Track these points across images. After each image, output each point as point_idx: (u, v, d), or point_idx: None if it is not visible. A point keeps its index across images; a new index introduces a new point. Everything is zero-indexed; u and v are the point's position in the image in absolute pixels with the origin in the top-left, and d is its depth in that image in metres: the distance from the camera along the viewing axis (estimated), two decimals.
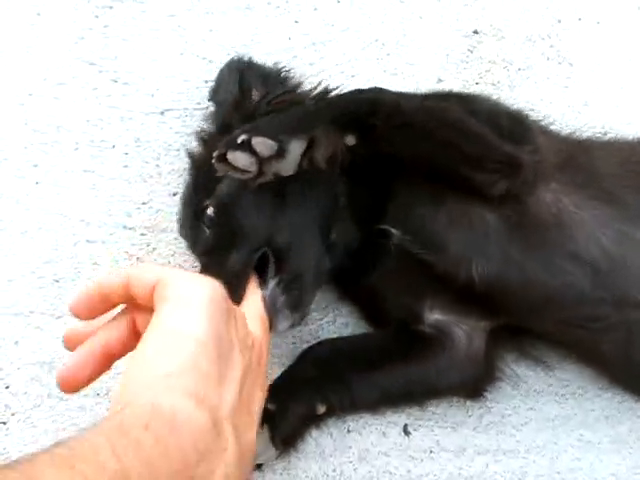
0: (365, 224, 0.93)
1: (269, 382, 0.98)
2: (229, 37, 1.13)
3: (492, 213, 0.89)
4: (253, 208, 0.87)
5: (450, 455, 0.99)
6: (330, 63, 1.14)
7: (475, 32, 1.17)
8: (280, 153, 0.80)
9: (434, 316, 0.96)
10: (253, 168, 0.79)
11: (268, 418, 0.89)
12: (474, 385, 0.99)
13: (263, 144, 0.79)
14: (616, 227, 0.90)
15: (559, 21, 1.20)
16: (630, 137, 1.04)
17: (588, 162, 0.95)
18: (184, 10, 1.13)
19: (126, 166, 1.06)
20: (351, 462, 0.97)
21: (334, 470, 0.97)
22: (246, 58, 1.05)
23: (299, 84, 1.01)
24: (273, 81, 1.00)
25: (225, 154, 0.79)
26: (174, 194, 1.04)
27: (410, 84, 1.13)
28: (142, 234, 1.03)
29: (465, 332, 0.97)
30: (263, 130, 0.81)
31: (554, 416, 1.02)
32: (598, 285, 0.88)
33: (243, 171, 0.80)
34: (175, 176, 1.06)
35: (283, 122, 0.84)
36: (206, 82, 1.10)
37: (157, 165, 1.06)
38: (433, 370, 0.97)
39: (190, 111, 1.09)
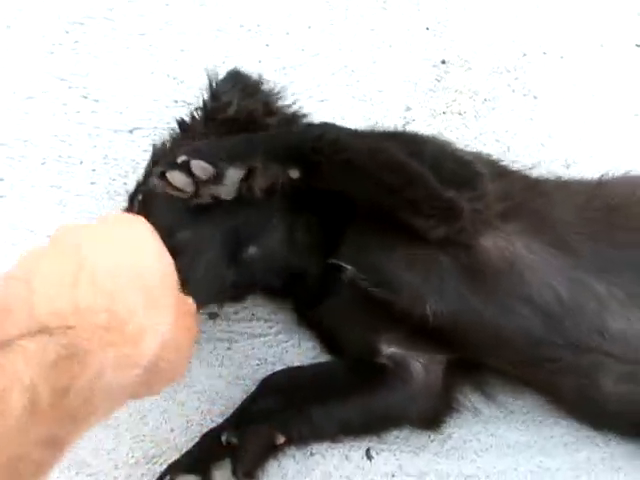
0: (314, 255, 0.94)
1: (229, 406, 0.98)
2: (200, 58, 1.13)
3: (445, 256, 0.89)
4: (167, 204, 0.87)
5: (412, 479, 0.99)
6: (300, 87, 1.14)
7: (443, 62, 1.19)
8: (217, 178, 0.81)
9: (390, 349, 0.97)
10: (189, 189, 0.81)
11: (231, 452, 0.90)
12: (432, 416, 1.00)
13: (201, 167, 0.80)
14: (570, 275, 0.90)
15: (524, 54, 1.22)
16: (589, 177, 1.04)
17: (544, 207, 0.96)
18: (156, 29, 1.13)
19: (93, 183, 1.06)
20: None
21: None
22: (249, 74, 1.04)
23: (283, 107, 1.01)
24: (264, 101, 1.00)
25: (165, 172, 0.80)
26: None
27: (379, 111, 1.15)
28: None
29: (422, 365, 0.97)
30: (203, 153, 0.82)
31: (514, 442, 1.03)
32: (551, 329, 0.89)
33: (180, 190, 0.81)
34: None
35: (225, 148, 0.86)
36: (176, 102, 1.10)
37: (125, 183, 1.06)
38: (391, 402, 0.97)
39: (159, 130, 1.09)
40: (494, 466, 1.01)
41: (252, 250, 0.90)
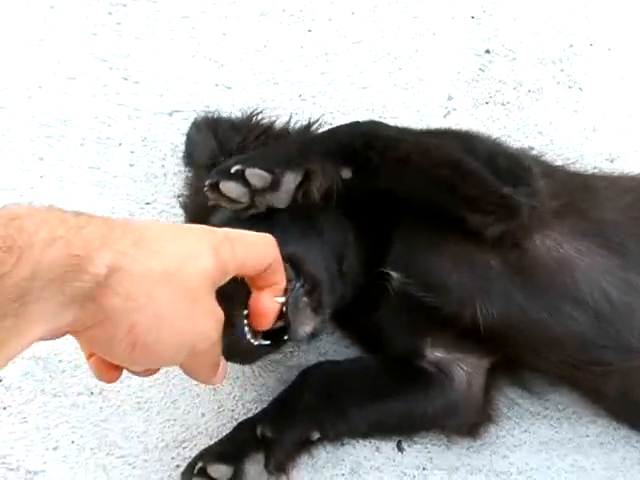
0: (367, 265, 0.91)
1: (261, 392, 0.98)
2: (241, 42, 1.13)
3: (494, 256, 0.88)
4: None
5: (442, 473, 0.98)
6: (341, 74, 1.13)
7: (487, 51, 1.17)
8: (273, 185, 0.79)
9: (435, 353, 0.95)
10: (245, 199, 0.78)
11: (265, 445, 0.89)
12: (470, 427, 0.98)
13: (257, 175, 0.78)
14: (620, 275, 0.89)
15: (571, 45, 1.20)
16: (635, 173, 1.02)
17: (592, 207, 0.94)
18: (198, 12, 1.13)
19: (132, 165, 1.06)
20: (343, 475, 0.96)
21: None
22: (212, 114, 1.03)
23: (272, 123, 0.99)
24: (246, 127, 0.98)
25: (218, 183, 0.78)
26: (178, 196, 1.03)
27: (420, 99, 1.13)
28: None
29: (466, 373, 0.95)
30: (257, 161, 0.79)
31: (548, 440, 1.01)
32: (601, 332, 0.87)
33: (235, 201, 0.78)
34: (180, 178, 1.05)
35: (277, 154, 0.83)
36: (216, 85, 1.10)
37: (163, 166, 1.06)
38: (430, 410, 0.95)
39: (198, 113, 1.08)
40: (526, 463, 0.99)
41: (345, 264, 0.88)
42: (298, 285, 0.79)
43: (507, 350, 0.94)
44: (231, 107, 1.08)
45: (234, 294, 0.70)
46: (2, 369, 0.53)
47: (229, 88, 1.10)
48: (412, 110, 1.12)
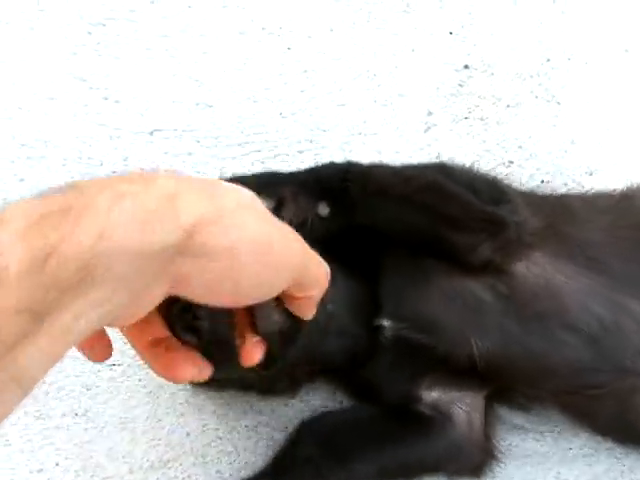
0: (357, 318, 0.89)
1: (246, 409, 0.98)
2: (221, 60, 1.13)
3: (483, 287, 0.87)
4: None
5: None
6: (321, 91, 1.14)
7: (466, 67, 1.18)
8: None
9: (432, 394, 0.94)
10: None
11: None
12: (474, 468, 0.97)
13: None
14: (608, 296, 0.88)
15: (548, 60, 1.21)
16: (612, 189, 1.03)
17: (572, 229, 0.93)
18: (177, 31, 1.13)
19: None
20: None
21: None
22: None
23: None
24: None
25: None
26: None
27: (400, 115, 1.14)
28: None
29: (465, 412, 0.94)
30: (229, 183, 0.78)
31: (532, 453, 1.02)
32: (596, 355, 0.87)
33: None
34: None
35: (250, 179, 0.83)
36: (197, 104, 1.10)
37: None
38: (433, 454, 0.95)
39: (179, 132, 1.09)
40: (511, 477, 1.00)
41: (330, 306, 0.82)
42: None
43: (503, 382, 0.93)
44: (212, 125, 1.09)
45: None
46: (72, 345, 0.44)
47: (210, 106, 1.10)
48: (392, 126, 1.12)
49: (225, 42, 1.14)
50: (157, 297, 0.48)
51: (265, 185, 0.81)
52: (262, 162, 1.08)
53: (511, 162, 1.12)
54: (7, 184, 1.03)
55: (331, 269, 0.62)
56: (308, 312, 0.63)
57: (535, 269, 0.88)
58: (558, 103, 1.19)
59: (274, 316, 0.68)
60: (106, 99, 1.09)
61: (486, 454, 0.97)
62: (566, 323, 0.87)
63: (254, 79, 1.12)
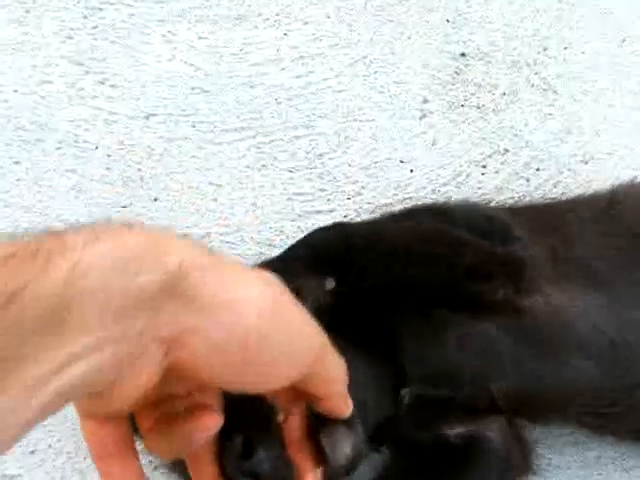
0: (386, 396, 0.84)
1: None
2: (218, 46, 1.13)
3: (494, 327, 0.84)
4: None
5: None
6: (317, 77, 1.14)
7: (462, 55, 1.18)
8: None
9: (459, 430, 0.89)
10: None
11: None
12: (523, 466, 0.94)
13: None
14: (611, 311, 0.86)
15: (545, 49, 1.21)
16: (597, 193, 1.02)
17: (566, 247, 0.91)
18: (174, 16, 1.13)
19: (108, 168, 1.05)
20: None
21: None
22: None
23: None
24: None
25: None
26: (155, 199, 1.04)
27: (396, 102, 1.14)
28: None
29: (495, 434, 0.90)
30: None
31: None
32: (610, 375, 0.86)
33: None
34: (156, 181, 1.05)
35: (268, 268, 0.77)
36: (192, 89, 1.10)
37: (139, 169, 1.06)
38: (485, 477, 0.91)
39: (175, 117, 1.09)
40: None
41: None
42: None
43: (524, 413, 0.91)
44: (208, 110, 1.09)
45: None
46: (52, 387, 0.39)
47: (206, 92, 1.10)
48: (388, 113, 1.12)
49: (222, 28, 1.14)
50: (154, 359, 0.43)
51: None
52: (257, 147, 1.08)
53: (506, 150, 1.12)
54: (2, 167, 1.03)
55: (349, 351, 0.58)
56: (343, 409, 0.58)
57: (542, 299, 0.86)
58: (554, 92, 1.19)
59: (346, 441, 0.64)
60: (102, 83, 1.09)
61: (525, 455, 0.94)
62: (578, 347, 0.85)
63: (250, 65, 1.12)
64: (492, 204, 1.00)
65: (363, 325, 0.82)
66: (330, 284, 0.77)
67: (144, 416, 0.51)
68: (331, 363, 0.53)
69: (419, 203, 1.05)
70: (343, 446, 0.66)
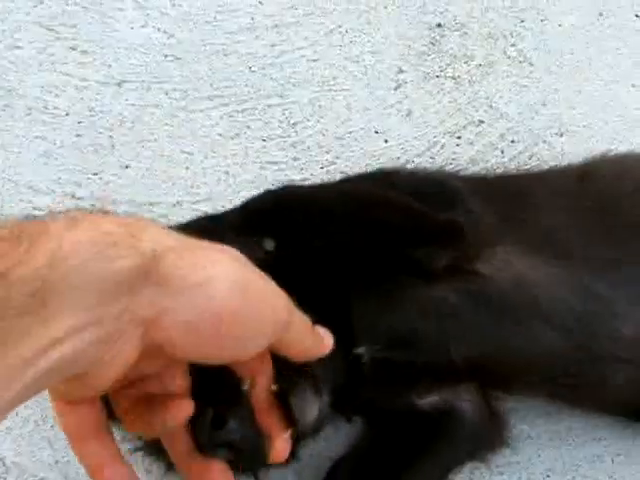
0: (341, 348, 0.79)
1: None
2: (191, 13, 1.12)
3: (452, 291, 0.83)
4: None
5: None
6: (292, 46, 1.13)
7: (438, 25, 1.17)
8: None
9: (429, 400, 0.89)
10: None
11: None
12: (493, 446, 0.94)
13: None
14: (576, 283, 0.85)
15: (522, 21, 1.20)
16: (569, 165, 1.01)
17: (530, 216, 0.89)
18: None
19: (79, 135, 1.04)
20: None
21: None
22: None
23: None
24: None
25: None
26: (126, 166, 1.03)
27: (371, 72, 1.13)
28: (91, 204, 1.01)
29: (467, 401, 0.90)
30: None
31: None
32: (572, 344, 0.85)
33: None
34: (128, 148, 1.04)
35: (186, 228, 0.75)
36: (165, 56, 1.09)
37: (110, 136, 1.05)
38: (458, 450, 0.92)
39: (147, 84, 1.07)
40: None
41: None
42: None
43: (487, 378, 0.90)
44: (180, 78, 1.08)
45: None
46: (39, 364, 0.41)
47: (178, 59, 1.09)
48: (362, 83, 1.12)
49: None
50: (131, 341, 0.45)
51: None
52: (230, 116, 1.07)
53: (481, 121, 1.12)
54: None
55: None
56: (318, 351, 0.60)
57: (499, 265, 0.85)
58: (531, 64, 1.18)
59: (313, 403, 0.68)
60: (73, 49, 1.08)
61: (498, 429, 0.94)
62: (539, 315, 0.84)
63: (224, 33, 1.11)
64: (463, 174, 0.99)
65: (310, 289, 0.75)
66: (269, 244, 0.77)
67: (120, 398, 0.53)
68: (299, 323, 0.55)
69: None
70: (311, 408, 0.69)
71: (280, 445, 0.60)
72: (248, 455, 0.61)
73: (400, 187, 0.85)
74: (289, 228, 0.79)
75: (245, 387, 0.60)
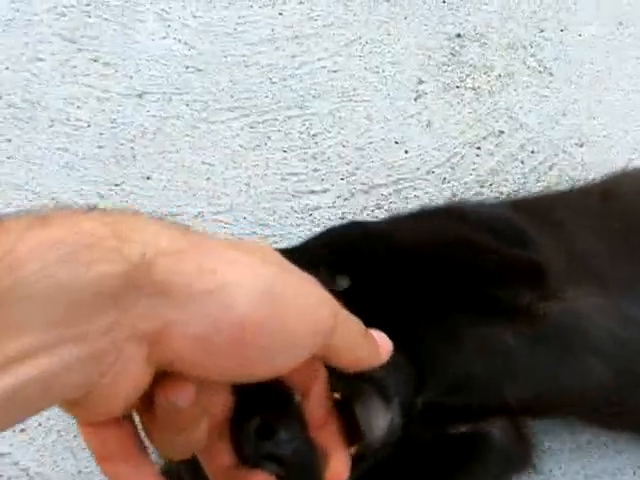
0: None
1: None
2: (212, 24, 1.12)
3: (508, 332, 0.81)
4: None
5: None
6: (312, 57, 1.13)
7: (458, 36, 1.17)
8: None
9: (458, 430, 0.87)
10: None
11: None
12: (525, 459, 0.94)
13: None
14: (615, 308, 0.83)
15: (542, 31, 1.20)
16: (591, 183, 1.00)
17: (565, 243, 0.87)
18: None
19: (100, 147, 1.05)
20: None
21: None
22: None
23: None
24: None
25: None
26: (147, 177, 1.03)
27: (391, 83, 1.13)
28: None
29: (498, 428, 0.88)
30: None
31: None
32: (615, 372, 0.83)
33: None
34: (149, 160, 1.05)
35: None
36: (186, 68, 1.09)
37: (132, 148, 1.05)
38: (488, 472, 0.90)
39: (168, 95, 1.08)
40: None
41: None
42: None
43: (533, 414, 0.90)
44: (201, 89, 1.09)
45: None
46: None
47: (199, 70, 1.10)
48: (382, 94, 1.12)
49: (216, 6, 1.13)
50: (135, 358, 0.38)
51: None
52: (251, 127, 1.08)
53: (501, 132, 1.12)
54: None
55: None
56: (374, 360, 0.51)
57: (556, 302, 0.83)
58: (550, 74, 1.18)
59: (382, 413, 0.59)
60: (95, 61, 1.08)
61: (526, 451, 0.93)
62: (589, 348, 0.82)
63: (245, 44, 1.11)
64: (486, 188, 0.99)
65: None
66: (343, 283, 0.73)
67: (146, 417, 0.45)
68: (349, 328, 0.48)
69: (431, 205, 1.02)
70: (380, 419, 0.62)
71: (339, 464, 0.52)
72: (300, 473, 0.52)
73: (473, 224, 0.83)
74: (366, 267, 0.76)
75: (297, 398, 0.52)
